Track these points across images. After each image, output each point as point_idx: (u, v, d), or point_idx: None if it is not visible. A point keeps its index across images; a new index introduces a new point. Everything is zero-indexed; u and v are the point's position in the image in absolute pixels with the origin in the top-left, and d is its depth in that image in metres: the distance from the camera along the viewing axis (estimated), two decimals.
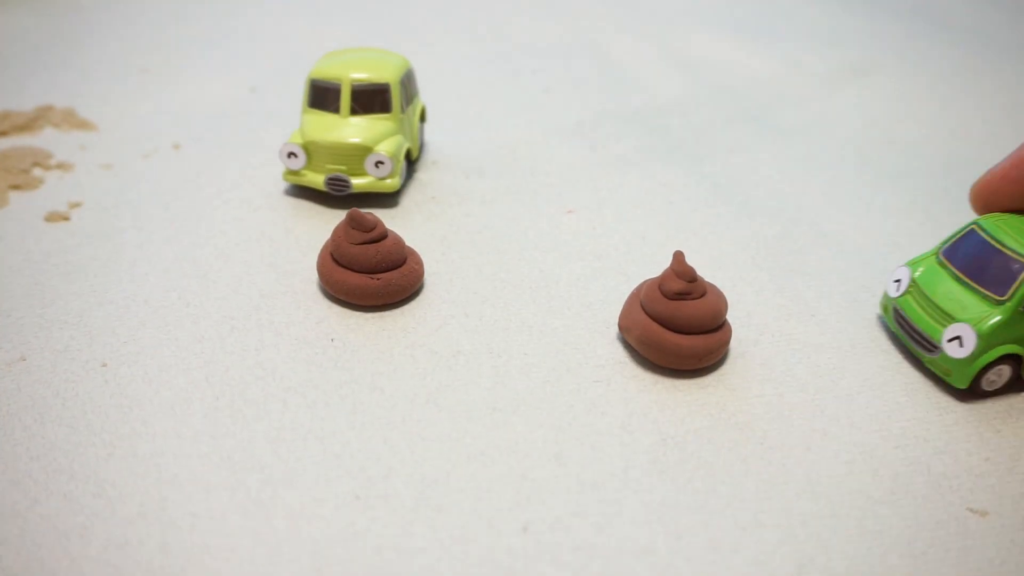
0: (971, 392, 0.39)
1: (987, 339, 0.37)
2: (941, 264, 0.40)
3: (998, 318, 0.37)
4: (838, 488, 0.34)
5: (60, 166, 0.54)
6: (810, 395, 0.39)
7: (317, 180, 0.50)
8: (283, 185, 0.53)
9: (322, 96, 0.51)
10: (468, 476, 0.34)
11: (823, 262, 0.47)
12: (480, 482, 0.34)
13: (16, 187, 0.52)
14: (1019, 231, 0.38)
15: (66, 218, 0.49)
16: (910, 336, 0.40)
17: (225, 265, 0.46)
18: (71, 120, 0.60)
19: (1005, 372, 0.38)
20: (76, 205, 0.50)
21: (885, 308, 0.42)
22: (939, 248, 0.41)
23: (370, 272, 0.42)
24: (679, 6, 0.87)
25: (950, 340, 0.38)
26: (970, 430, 0.37)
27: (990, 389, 0.39)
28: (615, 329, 0.42)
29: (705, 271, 0.46)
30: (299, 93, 0.61)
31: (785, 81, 0.70)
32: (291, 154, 0.50)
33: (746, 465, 0.35)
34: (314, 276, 0.45)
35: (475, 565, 0.31)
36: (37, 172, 0.54)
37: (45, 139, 0.57)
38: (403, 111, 0.52)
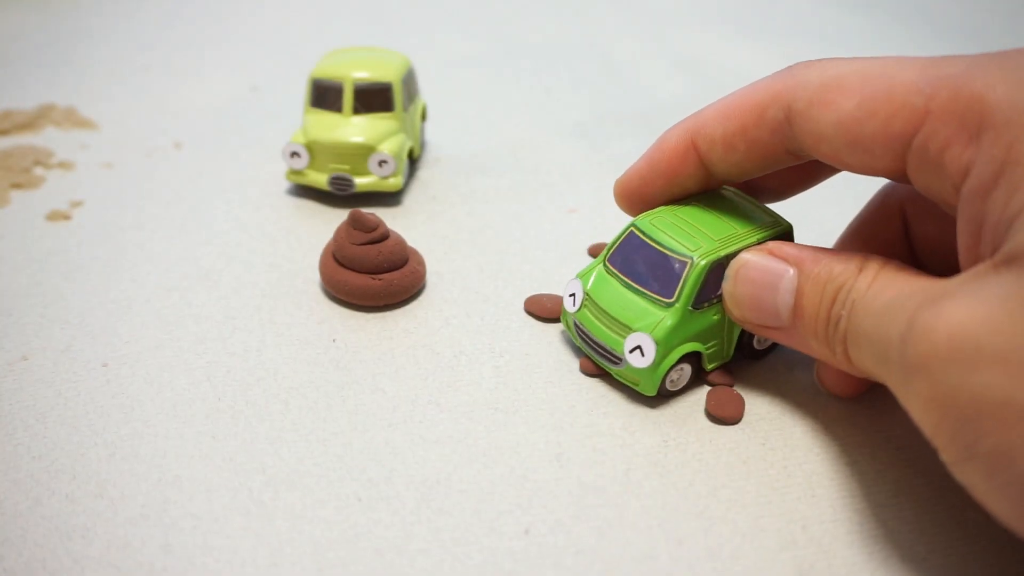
0: (659, 395, 0.38)
1: (665, 344, 0.37)
2: (609, 272, 0.39)
3: (670, 321, 0.37)
4: (839, 491, 0.34)
5: (61, 165, 0.54)
6: (811, 396, 0.39)
7: (320, 180, 0.50)
8: (284, 185, 0.53)
9: (324, 95, 0.51)
10: (470, 478, 0.34)
11: None
12: (482, 484, 0.34)
13: (17, 186, 0.52)
14: (674, 228, 0.38)
15: (67, 217, 0.49)
16: (595, 350, 0.39)
17: (227, 265, 0.46)
18: (72, 119, 0.60)
19: (687, 370, 0.38)
20: (77, 204, 0.50)
21: (567, 324, 0.41)
22: (604, 256, 0.40)
23: (372, 272, 0.42)
24: (679, 6, 0.87)
25: (631, 351, 0.37)
26: None
27: (673, 389, 0.38)
28: None
29: None
30: (301, 92, 0.61)
31: None
32: (294, 153, 0.50)
33: (747, 467, 0.35)
34: (316, 276, 0.45)
35: (476, 567, 0.31)
36: (38, 171, 0.53)
37: (46, 138, 0.57)
38: (405, 110, 0.52)
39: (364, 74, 0.51)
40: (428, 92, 0.61)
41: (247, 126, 0.60)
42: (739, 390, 0.39)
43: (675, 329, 0.37)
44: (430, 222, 0.50)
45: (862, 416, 0.38)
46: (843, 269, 0.33)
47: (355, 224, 0.43)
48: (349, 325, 0.42)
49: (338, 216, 0.50)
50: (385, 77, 0.51)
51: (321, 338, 0.41)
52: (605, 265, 0.40)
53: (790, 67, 0.36)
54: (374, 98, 0.51)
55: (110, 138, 0.58)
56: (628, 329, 0.38)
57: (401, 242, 0.43)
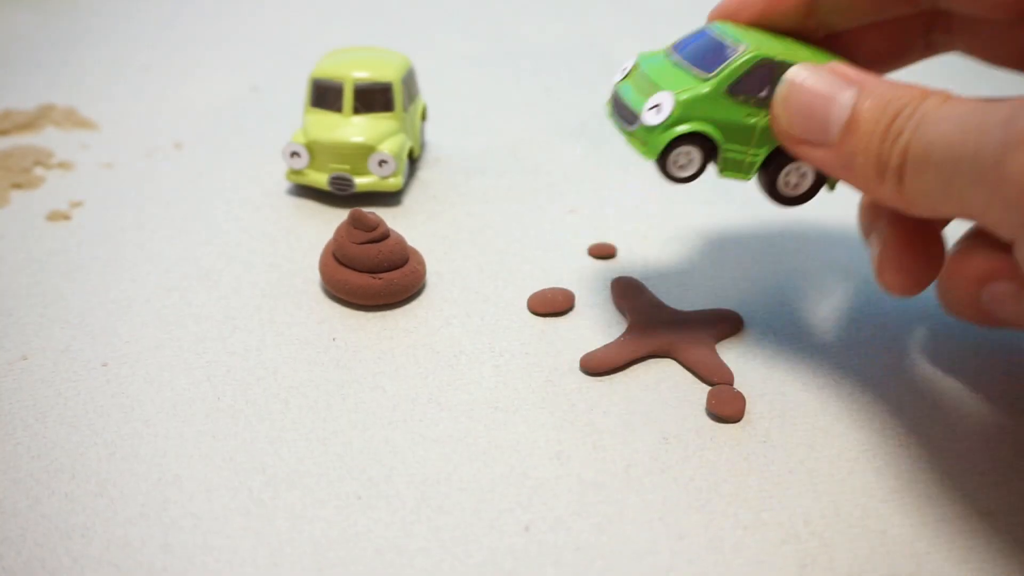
0: (660, 170, 0.37)
1: (684, 107, 0.36)
2: (667, 54, 0.39)
3: (702, 90, 0.36)
4: (841, 487, 0.34)
5: (61, 165, 0.54)
6: (812, 393, 0.39)
7: (320, 179, 0.50)
8: (284, 184, 0.53)
9: (324, 95, 0.51)
10: (470, 476, 0.34)
11: (825, 261, 0.47)
12: (482, 482, 0.34)
13: (17, 186, 0.52)
14: (745, 33, 0.38)
15: (67, 217, 0.49)
16: (619, 115, 0.39)
17: (227, 265, 0.46)
18: (72, 119, 0.60)
19: (695, 156, 0.37)
20: (77, 204, 0.50)
21: (608, 101, 0.41)
22: (671, 44, 0.40)
23: (372, 272, 0.42)
24: (679, 6, 0.87)
25: (650, 108, 0.36)
26: (973, 427, 0.37)
27: (678, 174, 0.37)
28: (617, 329, 0.42)
29: (707, 269, 0.46)
30: (301, 92, 0.61)
31: None
32: (294, 153, 0.50)
33: (748, 464, 0.35)
34: (316, 276, 0.45)
35: (477, 566, 0.31)
36: (38, 171, 0.53)
37: (46, 138, 0.57)
38: (405, 110, 0.52)
39: (364, 74, 0.51)
40: (428, 92, 0.61)
41: (247, 126, 0.60)
42: (740, 388, 0.39)
43: (700, 100, 0.36)
44: (430, 222, 0.50)
45: (863, 414, 0.38)
46: (908, 91, 0.32)
47: (355, 223, 0.42)
48: (349, 324, 0.42)
49: (338, 216, 0.50)
50: (385, 77, 0.51)
51: (321, 337, 0.41)
52: (666, 50, 0.40)
53: None
54: (374, 98, 0.51)
55: (110, 138, 0.58)
56: (657, 89, 0.37)
57: (401, 241, 0.43)
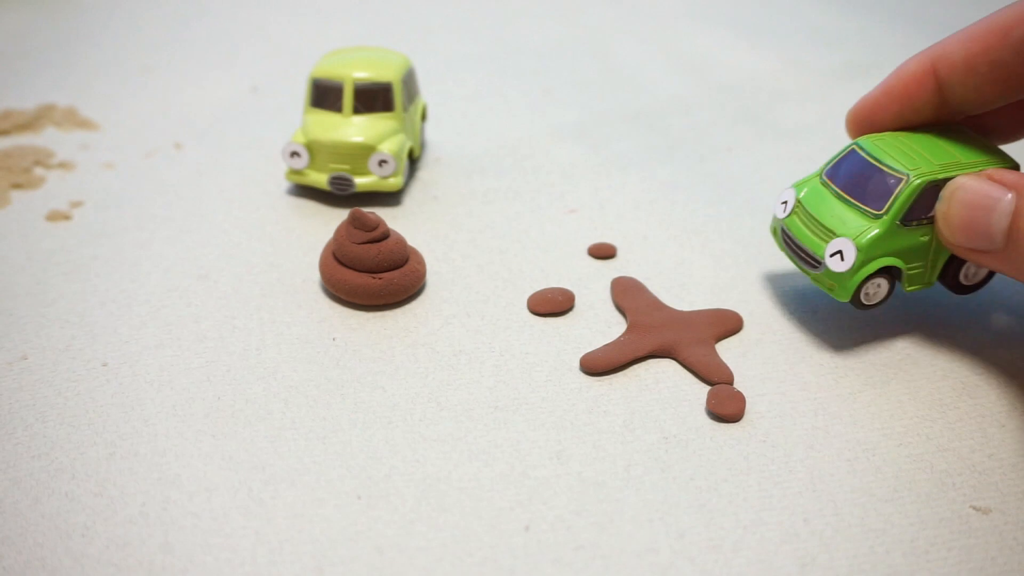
0: (853, 305, 0.39)
1: (866, 252, 0.38)
2: (824, 184, 0.41)
3: (876, 231, 0.38)
4: (840, 486, 0.34)
5: (62, 165, 0.54)
6: (812, 393, 0.39)
7: (320, 179, 0.50)
8: (284, 184, 0.53)
9: (324, 95, 0.51)
10: (470, 475, 0.34)
11: None
12: (482, 481, 0.34)
13: (18, 186, 0.52)
14: (896, 149, 0.39)
15: (68, 217, 0.49)
16: (797, 255, 0.41)
17: (227, 265, 0.46)
18: (73, 119, 0.60)
19: (883, 286, 0.39)
20: (78, 204, 0.50)
21: (774, 231, 0.43)
22: (822, 169, 0.42)
23: (372, 272, 0.42)
24: (680, 6, 0.87)
25: (832, 255, 0.38)
26: (973, 427, 0.37)
27: (869, 303, 0.39)
28: (617, 329, 0.42)
29: (707, 270, 0.46)
30: (301, 92, 0.61)
31: (785, 81, 0.70)
32: (294, 153, 0.50)
33: (748, 463, 0.35)
34: (316, 276, 0.45)
35: (477, 565, 0.31)
36: (39, 171, 0.53)
37: (47, 138, 0.57)
38: (405, 110, 0.52)
39: (364, 74, 0.51)
40: (428, 92, 0.61)
41: (247, 126, 0.60)
42: (740, 388, 0.39)
43: (879, 240, 0.38)
44: (430, 222, 0.50)
45: (863, 413, 0.38)
46: None
47: (355, 223, 0.42)
48: (349, 324, 0.42)
49: (338, 216, 0.50)
50: (385, 77, 0.51)
51: (321, 337, 0.41)
52: (821, 178, 0.41)
53: None
54: (374, 98, 0.51)
55: (110, 138, 0.58)
56: (833, 234, 0.39)
57: (401, 241, 0.43)
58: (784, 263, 0.47)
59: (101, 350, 0.40)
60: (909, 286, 0.40)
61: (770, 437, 0.36)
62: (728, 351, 0.41)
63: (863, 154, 0.40)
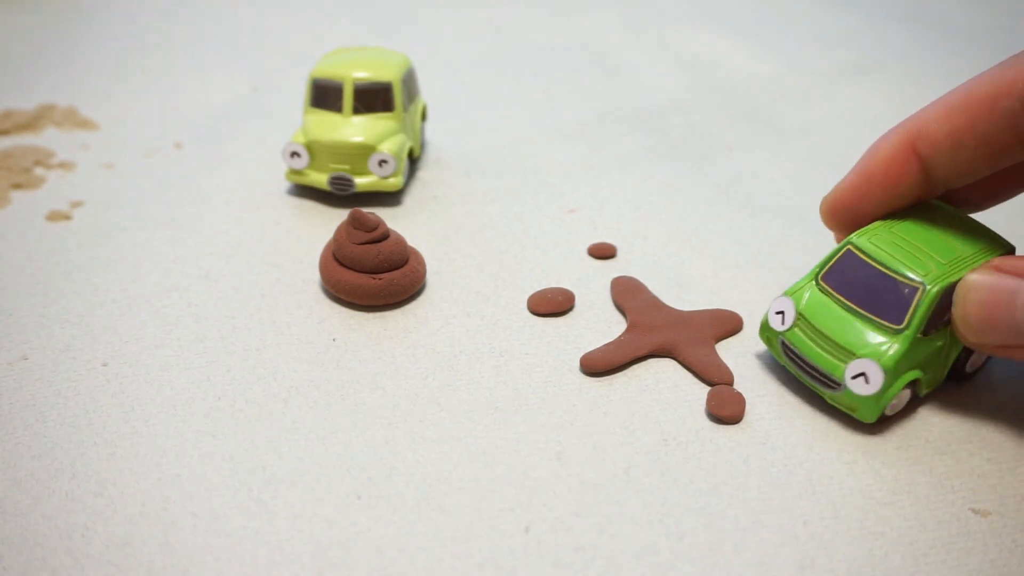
0: (877, 423, 0.37)
1: (893, 372, 0.35)
2: (824, 291, 0.38)
3: (900, 348, 0.35)
4: (840, 488, 0.34)
5: (62, 165, 0.54)
6: (812, 395, 0.39)
7: (320, 179, 0.50)
8: (284, 184, 0.53)
9: (324, 95, 0.51)
10: (470, 476, 0.34)
11: None
12: (482, 482, 0.34)
13: (18, 186, 0.52)
14: (896, 248, 0.37)
15: (68, 217, 0.49)
16: (806, 373, 0.38)
17: (227, 265, 0.46)
18: (73, 119, 0.60)
19: (904, 396, 0.37)
20: (78, 204, 0.50)
21: (768, 340, 0.39)
22: (816, 273, 0.39)
23: (372, 272, 0.42)
24: (680, 6, 0.87)
25: (854, 377, 0.36)
26: (972, 430, 0.37)
27: (892, 414, 0.37)
28: (617, 329, 0.42)
29: (707, 270, 0.46)
30: (301, 92, 0.61)
31: (786, 81, 0.70)
32: (294, 153, 0.50)
33: (748, 465, 0.35)
34: (316, 276, 0.45)
35: (477, 565, 0.31)
36: (39, 171, 0.53)
37: (47, 138, 0.57)
38: (405, 110, 0.52)
39: (364, 74, 0.51)
40: (428, 92, 0.61)
41: (247, 126, 0.60)
42: (739, 389, 0.39)
43: (904, 357, 0.35)
44: (430, 222, 0.50)
45: None
46: None
47: (355, 224, 0.42)
48: (349, 324, 0.42)
49: (338, 216, 0.50)
50: (385, 77, 0.51)
51: (321, 337, 0.41)
52: (818, 283, 0.38)
53: (1014, 56, 0.35)
54: (374, 98, 0.51)
55: (110, 138, 0.58)
56: (851, 354, 0.36)
57: (401, 242, 0.43)
58: (784, 264, 0.47)
59: (101, 350, 0.40)
60: (924, 389, 0.38)
61: (770, 439, 0.36)
62: (728, 351, 0.41)
63: (864, 257, 0.37)
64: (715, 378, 0.39)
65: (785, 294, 0.39)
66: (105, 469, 0.34)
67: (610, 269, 0.46)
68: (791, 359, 0.38)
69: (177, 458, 0.35)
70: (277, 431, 0.36)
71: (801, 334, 0.38)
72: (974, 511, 0.34)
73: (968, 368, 0.39)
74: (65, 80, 0.66)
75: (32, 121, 0.59)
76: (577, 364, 0.40)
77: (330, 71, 0.51)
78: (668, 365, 0.40)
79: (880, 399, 0.36)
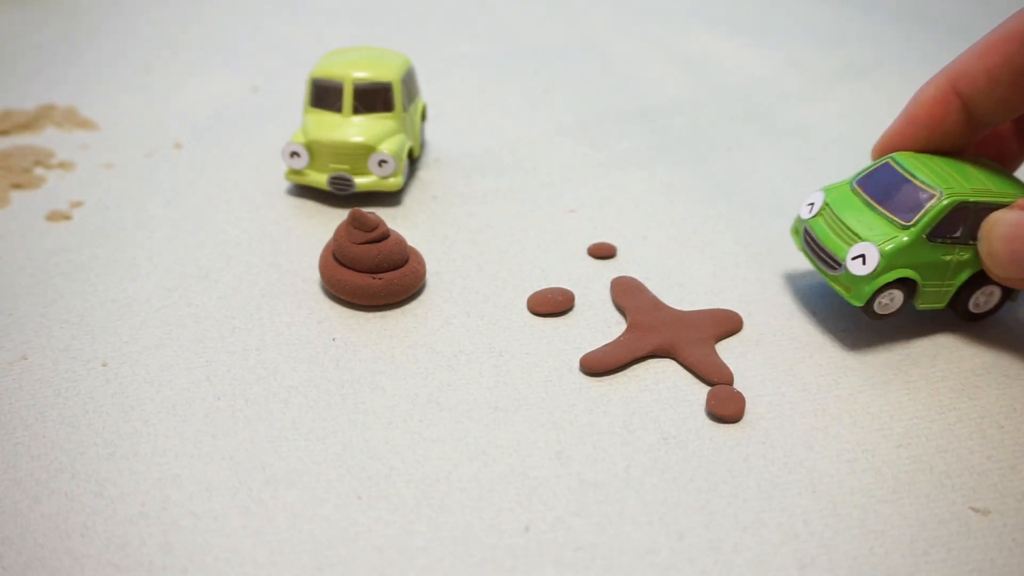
0: (864, 312, 0.40)
1: (889, 259, 0.38)
2: (854, 192, 0.41)
3: (902, 240, 0.38)
4: (840, 487, 0.34)
5: (62, 165, 0.54)
6: (811, 394, 0.39)
7: (320, 179, 0.50)
8: (284, 184, 0.53)
9: (324, 95, 0.51)
10: (470, 476, 0.34)
11: None
12: (482, 481, 0.34)
13: (18, 186, 0.52)
14: (930, 168, 0.40)
15: (68, 217, 0.49)
16: (816, 255, 0.41)
17: (227, 265, 0.46)
18: (73, 119, 0.60)
19: (898, 298, 0.40)
20: (78, 204, 0.50)
21: (795, 231, 0.43)
22: (854, 178, 0.42)
23: (372, 272, 0.42)
24: (680, 6, 0.87)
25: (854, 258, 0.39)
26: (972, 428, 0.37)
27: (882, 312, 0.40)
28: (617, 329, 0.42)
29: (707, 270, 0.46)
30: (301, 92, 0.61)
31: (785, 81, 0.70)
32: (294, 153, 0.50)
33: (748, 464, 0.35)
34: (316, 276, 0.45)
35: (477, 565, 0.31)
36: (39, 171, 0.53)
37: (47, 138, 0.57)
38: (405, 110, 0.52)
39: (364, 74, 0.51)
40: (428, 92, 0.61)
41: (247, 126, 0.60)
42: (739, 388, 0.39)
43: (903, 250, 0.39)
44: (430, 222, 0.50)
45: (862, 414, 0.38)
46: None
47: (355, 223, 0.42)
48: (349, 324, 0.42)
49: (338, 216, 0.50)
50: (385, 77, 0.51)
51: (321, 337, 0.41)
52: (852, 186, 0.42)
53: None
54: (374, 98, 0.51)
55: (110, 138, 0.58)
56: (857, 238, 0.39)
57: (401, 242, 0.43)
58: (784, 264, 0.47)
59: (101, 350, 0.40)
60: (922, 303, 0.40)
61: (770, 438, 0.36)
62: (728, 351, 0.41)
63: (897, 168, 0.40)
64: (715, 378, 0.39)
65: (821, 189, 0.43)
66: (105, 469, 0.34)
67: (610, 269, 0.46)
68: (807, 244, 0.42)
69: (177, 458, 0.35)
70: (277, 431, 0.36)
71: (822, 222, 0.41)
72: (974, 510, 0.34)
73: (974, 307, 0.41)
74: (65, 80, 0.66)
75: (32, 121, 0.59)
76: (577, 364, 0.40)
77: (330, 71, 0.51)
78: (668, 365, 0.40)
79: (871, 281, 0.39)
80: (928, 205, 0.39)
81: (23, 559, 0.31)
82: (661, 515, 0.33)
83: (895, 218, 0.39)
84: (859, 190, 0.41)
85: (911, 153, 0.41)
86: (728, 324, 0.42)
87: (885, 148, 0.42)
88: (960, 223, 0.39)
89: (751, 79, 0.71)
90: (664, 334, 0.41)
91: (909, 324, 0.43)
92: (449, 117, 0.62)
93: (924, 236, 0.39)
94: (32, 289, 0.43)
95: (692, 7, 0.87)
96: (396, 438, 0.36)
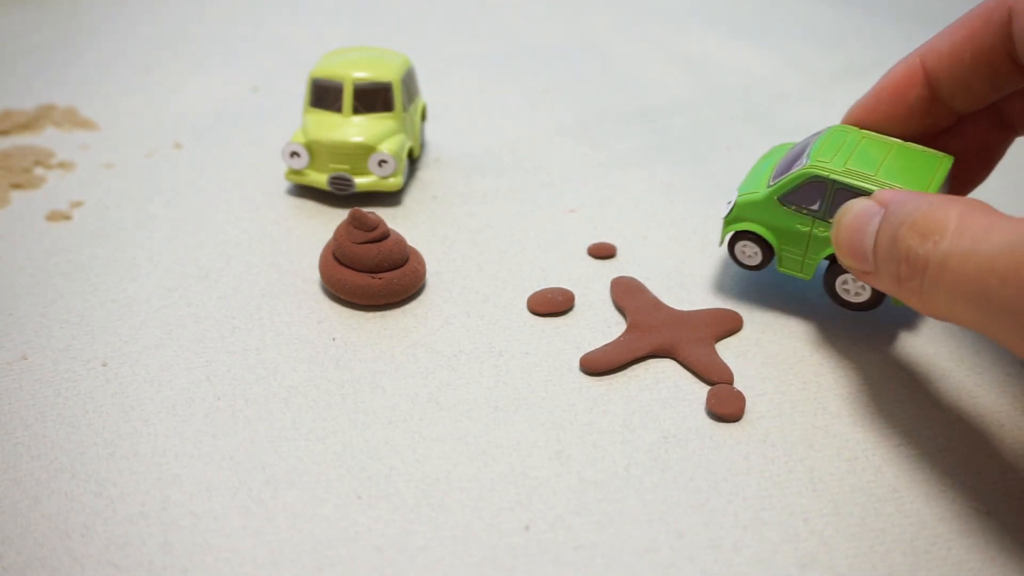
0: (731, 256, 0.43)
1: (739, 209, 0.42)
2: (786, 152, 0.44)
3: (756, 197, 0.41)
4: (840, 485, 0.34)
5: (62, 165, 0.54)
6: (812, 392, 0.39)
7: (320, 179, 0.50)
8: (284, 184, 0.53)
9: (324, 95, 0.51)
10: (470, 475, 0.34)
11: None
12: (482, 481, 0.34)
13: (18, 186, 0.52)
14: (846, 143, 0.40)
15: (68, 217, 0.49)
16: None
17: (227, 265, 0.46)
18: (73, 119, 0.60)
19: (756, 252, 0.42)
20: (78, 204, 0.50)
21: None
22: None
23: (372, 272, 0.42)
24: (679, 6, 0.87)
25: (728, 203, 0.42)
26: (972, 426, 0.37)
27: (743, 261, 0.43)
28: (617, 329, 0.42)
29: (707, 270, 0.46)
30: (301, 92, 0.61)
31: (785, 81, 0.70)
32: (294, 153, 0.50)
33: (748, 463, 0.35)
34: (316, 276, 0.45)
35: (477, 564, 0.31)
36: (39, 171, 0.54)
37: (47, 138, 0.57)
38: (405, 110, 0.52)
39: (364, 74, 0.51)
40: (428, 92, 0.61)
41: (247, 126, 0.60)
42: (739, 388, 0.39)
43: (753, 204, 0.41)
44: (430, 221, 0.50)
45: (861, 414, 0.38)
46: (927, 210, 0.32)
47: (355, 223, 0.42)
48: (349, 324, 0.42)
49: (338, 216, 0.50)
50: (385, 77, 0.51)
51: (321, 337, 0.41)
52: (793, 144, 0.45)
53: None
54: (374, 98, 0.51)
55: (110, 138, 0.58)
56: (739, 192, 0.42)
57: (401, 241, 0.43)
58: None
59: (101, 350, 0.40)
60: (782, 266, 0.42)
61: (770, 437, 0.36)
62: (728, 351, 0.41)
63: (820, 136, 0.41)
64: (715, 377, 0.39)
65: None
66: (105, 469, 0.34)
67: (610, 269, 0.46)
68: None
69: (177, 458, 0.35)
70: (277, 431, 0.36)
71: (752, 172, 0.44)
72: (974, 508, 0.34)
73: (844, 294, 0.41)
74: (65, 80, 0.66)
75: (32, 121, 0.59)
76: (577, 364, 0.40)
77: (330, 71, 0.51)
78: (668, 365, 0.40)
79: (726, 225, 0.42)
80: (791, 172, 0.40)
81: (23, 559, 0.31)
82: (661, 514, 0.33)
83: (770, 180, 0.41)
84: (787, 151, 0.43)
85: (851, 128, 0.42)
86: (728, 324, 0.42)
87: (849, 119, 0.42)
88: (817, 197, 0.39)
89: (751, 79, 0.71)
90: (664, 334, 0.41)
91: (909, 324, 0.43)
92: (449, 117, 0.62)
93: (776, 198, 0.40)
94: (32, 289, 0.43)
95: (692, 7, 0.87)
96: (396, 438, 0.36)
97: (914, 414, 0.38)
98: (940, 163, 0.40)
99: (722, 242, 0.43)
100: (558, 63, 0.73)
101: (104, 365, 0.39)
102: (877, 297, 0.41)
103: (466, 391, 0.38)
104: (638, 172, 0.56)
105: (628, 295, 0.43)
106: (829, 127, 0.42)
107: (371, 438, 0.36)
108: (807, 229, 0.40)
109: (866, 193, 0.38)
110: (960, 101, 0.40)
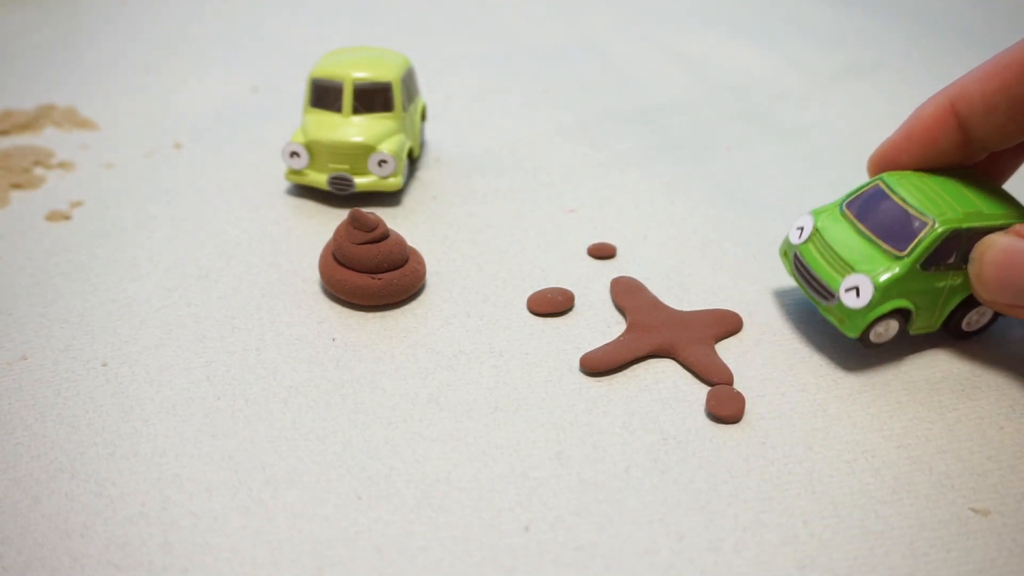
0: (860, 342, 0.39)
1: (883, 292, 0.38)
2: (844, 216, 0.41)
3: (896, 272, 0.38)
4: (840, 488, 0.34)
5: (61, 165, 0.54)
6: (811, 394, 0.39)
7: (320, 179, 0.50)
8: (284, 184, 0.53)
9: (324, 95, 0.51)
10: (470, 476, 0.34)
11: None
12: (482, 481, 0.34)
13: (17, 186, 0.52)
14: (921, 191, 0.39)
15: (67, 217, 0.49)
16: (808, 283, 0.41)
17: (226, 265, 0.46)
18: (72, 119, 0.60)
19: (893, 326, 0.39)
20: (77, 204, 0.50)
21: (784, 254, 0.42)
22: (843, 200, 0.41)
23: (372, 272, 0.42)
24: (679, 6, 0.87)
25: (847, 290, 0.38)
26: (972, 428, 0.37)
27: (877, 341, 0.39)
28: (617, 329, 0.42)
29: (707, 270, 0.46)
30: (301, 92, 0.61)
31: (786, 81, 0.70)
32: (293, 153, 0.50)
33: (747, 464, 0.35)
34: (315, 276, 0.45)
35: (476, 564, 0.31)
36: (38, 171, 0.53)
37: (46, 138, 0.57)
38: (405, 110, 0.52)
39: (364, 74, 0.51)
40: (428, 92, 0.61)
41: (247, 126, 0.60)
42: (739, 389, 0.39)
43: (897, 281, 0.38)
44: (430, 222, 0.50)
45: (861, 415, 0.38)
46: None
47: (355, 223, 0.42)
48: (349, 324, 0.42)
49: (338, 216, 0.50)
50: (385, 77, 0.51)
51: (321, 337, 0.41)
52: (841, 208, 0.41)
53: None
54: (374, 98, 0.51)
55: (110, 138, 0.58)
56: (850, 269, 0.39)
57: (401, 242, 0.43)
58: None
59: (101, 350, 0.40)
60: (915, 328, 0.40)
61: (769, 438, 0.36)
62: (728, 351, 0.41)
63: (888, 191, 0.40)
64: (715, 378, 0.39)
65: (810, 213, 0.42)
66: (105, 469, 0.34)
67: (610, 269, 0.46)
68: (798, 271, 0.41)
69: (177, 458, 0.35)
70: (277, 431, 0.36)
71: (813, 249, 0.41)
72: (974, 510, 0.34)
73: (965, 326, 0.41)
74: (65, 80, 0.66)
75: (32, 121, 0.59)
76: (577, 364, 0.40)
77: (330, 71, 0.51)
78: (668, 365, 0.40)
79: (866, 315, 0.38)
80: (922, 234, 0.38)
81: (23, 559, 0.31)
82: (661, 515, 0.33)
83: (888, 247, 0.38)
84: (849, 214, 0.40)
85: (902, 173, 0.41)
86: (728, 324, 0.42)
87: (880, 160, 0.42)
88: (953, 250, 0.38)
89: (751, 79, 0.71)
90: (664, 334, 0.41)
91: None
92: (449, 117, 0.62)
93: (918, 266, 0.38)
94: (32, 289, 0.43)
95: (692, 7, 0.87)
96: (396, 438, 0.36)
97: (913, 416, 0.38)
98: (986, 180, 0.41)
99: (860, 333, 0.39)
100: (558, 63, 0.73)
101: (104, 365, 0.39)
102: (992, 321, 0.41)
103: (466, 391, 0.38)
104: (638, 172, 0.56)
105: (628, 295, 0.43)
106: (878, 178, 0.41)
107: (371, 438, 0.36)
108: (943, 284, 0.39)
109: (994, 230, 0.38)
110: (992, 143, 0.40)
